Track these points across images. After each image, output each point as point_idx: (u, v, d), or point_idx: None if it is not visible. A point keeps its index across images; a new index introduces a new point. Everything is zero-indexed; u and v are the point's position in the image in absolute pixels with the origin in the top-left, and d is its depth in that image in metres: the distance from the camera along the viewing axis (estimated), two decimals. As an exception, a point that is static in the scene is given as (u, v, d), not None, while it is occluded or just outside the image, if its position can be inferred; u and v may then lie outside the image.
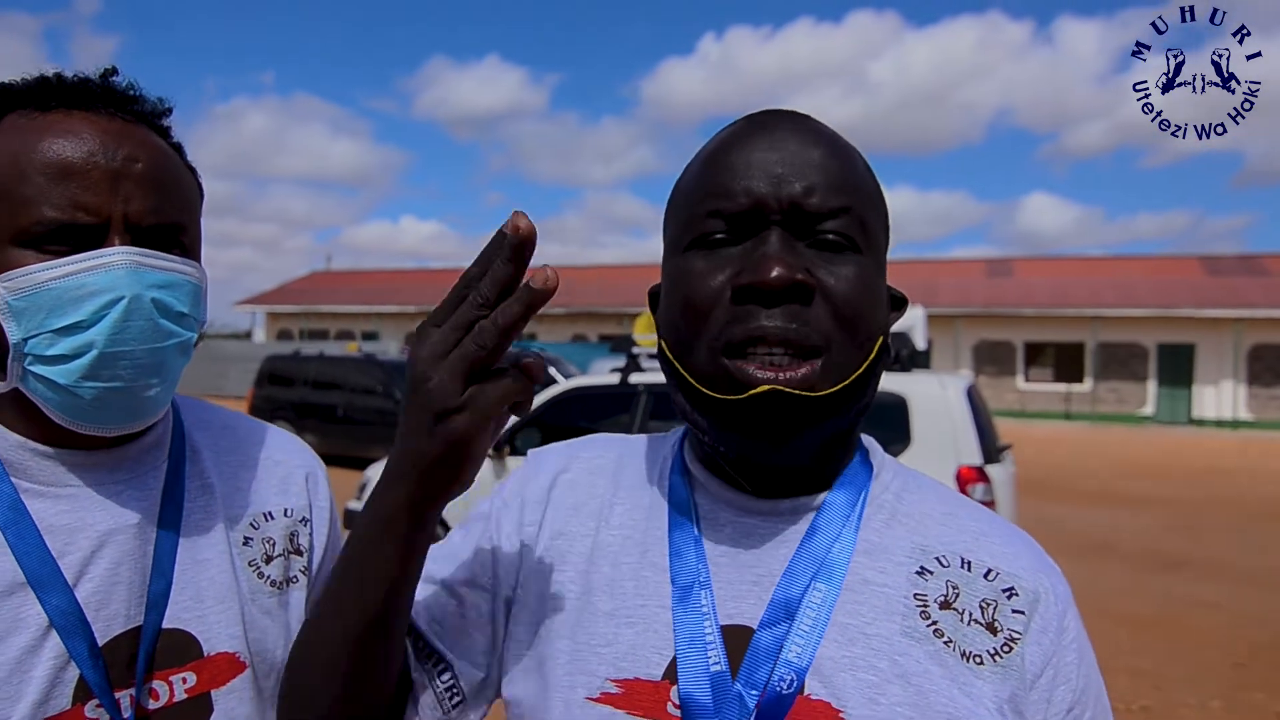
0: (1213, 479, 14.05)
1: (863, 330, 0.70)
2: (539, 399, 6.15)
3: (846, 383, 0.69)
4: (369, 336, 34.44)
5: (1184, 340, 26.74)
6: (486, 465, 6.06)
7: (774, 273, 0.66)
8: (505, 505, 0.84)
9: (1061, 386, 28.09)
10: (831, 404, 0.69)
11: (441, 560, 0.83)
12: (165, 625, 0.84)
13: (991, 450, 5.08)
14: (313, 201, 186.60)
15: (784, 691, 0.67)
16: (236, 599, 0.89)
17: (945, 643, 0.70)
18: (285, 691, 0.79)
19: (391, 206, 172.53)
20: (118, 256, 0.78)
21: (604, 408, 6.17)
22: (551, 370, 15.30)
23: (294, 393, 13.58)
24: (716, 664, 0.69)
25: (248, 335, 41.53)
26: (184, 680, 0.85)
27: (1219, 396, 26.51)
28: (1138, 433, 23.81)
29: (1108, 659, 5.26)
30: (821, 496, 0.75)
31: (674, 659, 0.70)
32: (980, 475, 4.84)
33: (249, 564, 0.93)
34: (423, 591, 0.80)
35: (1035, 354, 28.67)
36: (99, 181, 0.79)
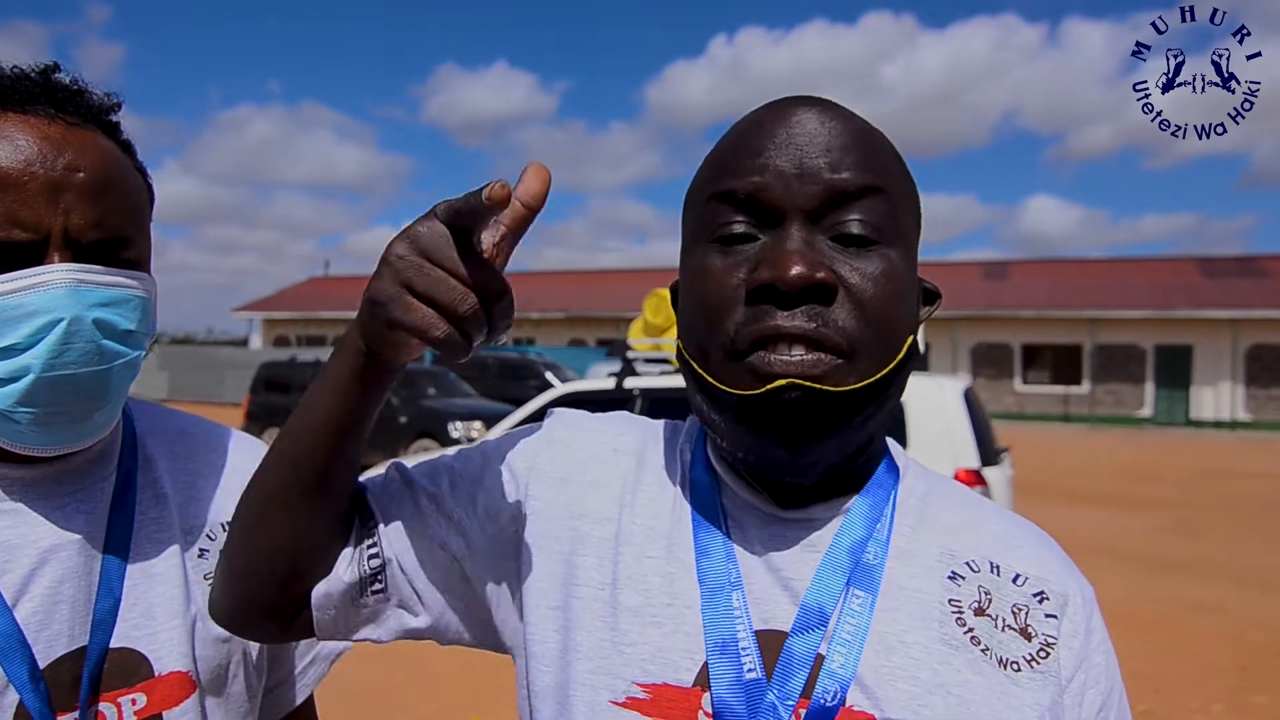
0: (1212, 480, 14.04)
1: (891, 331, 0.66)
2: (535, 403, 6.13)
3: (873, 379, 0.65)
4: (366, 342, 34.41)
5: (1182, 342, 26.77)
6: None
7: (793, 270, 0.62)
8: (513, 468, 0.78)
9: (1059, 389, 28.12)
10: (856, 403, 0.65)
11: (428, 471, 0.79)
12: (114, 644, 0.81)
13: (989, 453, 5.07)
14: (317, 208, 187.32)
15: (828, 704, 0.64)
16: (190, 615, 0.86)
17: (982, 650, 0.67)
18: (226, 543, 0.76)
19: (396, 212, 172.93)
20: (57, 275, 0.74)
21: (599, 412, 6.15)
22: (548, 375, 15.35)
23: (290, 399, 13.54)
24: (752, 670, 0.65)
25: (244, 342, 41.55)
26: (134, 701, 0.81)
27: (1217, 398, 26.54)
28: (1136, 434, 23.83)
29: (1108, 663, 5.23)
30: (850, 500, 0.72)
31: (705, 664, 0.67)
32: (977, 478, 4.82)
33: (205, 577, 0.88)
34: (390, 482, 0.79)
35: (1033, 356, 28.70)
36: (36, 194, 0.74)
